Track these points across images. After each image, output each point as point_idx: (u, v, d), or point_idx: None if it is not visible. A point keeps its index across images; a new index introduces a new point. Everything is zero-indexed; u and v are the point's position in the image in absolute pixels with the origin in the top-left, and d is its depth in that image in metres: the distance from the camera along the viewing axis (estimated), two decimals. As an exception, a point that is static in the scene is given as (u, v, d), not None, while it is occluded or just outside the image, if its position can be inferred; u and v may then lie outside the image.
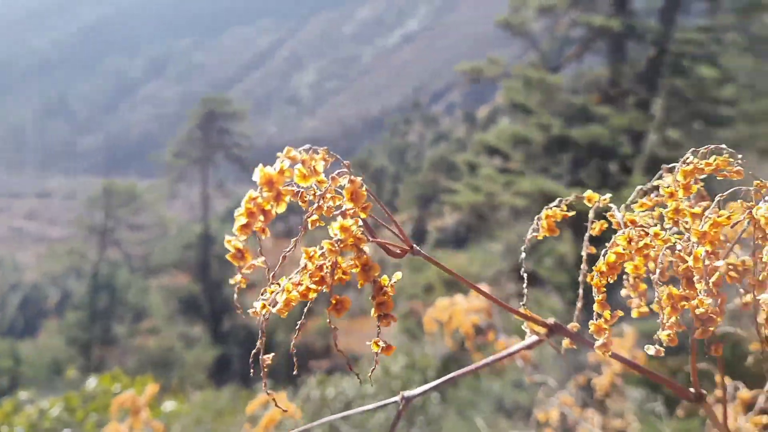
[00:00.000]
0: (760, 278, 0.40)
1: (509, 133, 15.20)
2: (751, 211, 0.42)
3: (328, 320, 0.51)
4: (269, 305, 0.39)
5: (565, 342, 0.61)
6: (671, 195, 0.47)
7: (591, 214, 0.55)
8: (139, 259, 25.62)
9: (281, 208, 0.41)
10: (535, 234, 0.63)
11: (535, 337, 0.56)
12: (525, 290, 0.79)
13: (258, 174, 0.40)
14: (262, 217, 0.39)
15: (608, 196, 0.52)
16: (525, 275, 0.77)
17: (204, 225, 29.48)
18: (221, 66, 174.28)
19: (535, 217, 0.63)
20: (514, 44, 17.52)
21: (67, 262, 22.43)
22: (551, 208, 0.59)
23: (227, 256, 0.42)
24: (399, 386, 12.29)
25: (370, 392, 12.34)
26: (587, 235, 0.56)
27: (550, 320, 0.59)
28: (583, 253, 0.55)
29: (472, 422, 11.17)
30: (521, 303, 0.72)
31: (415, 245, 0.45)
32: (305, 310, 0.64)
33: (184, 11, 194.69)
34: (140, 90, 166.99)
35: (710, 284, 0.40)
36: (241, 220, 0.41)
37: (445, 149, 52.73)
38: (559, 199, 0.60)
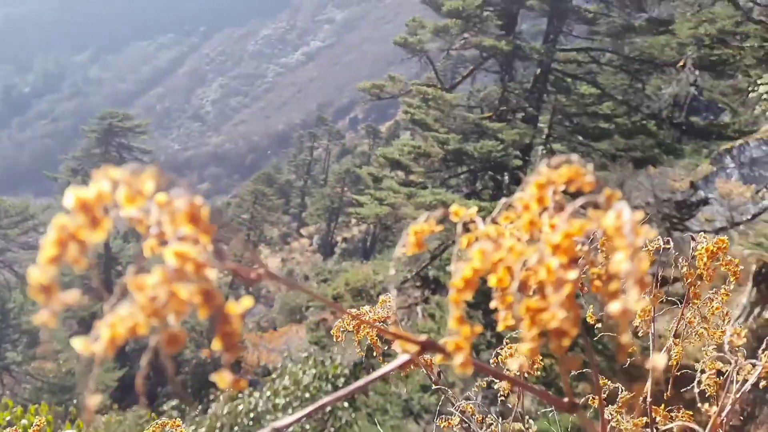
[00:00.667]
0: (609, 288, 0.42)
1: (410, 147, 15.98)
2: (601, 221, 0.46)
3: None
4: (92, 342, 0.40)
5: (438, 358, 0.64)
6: (526, 207, 0.51)
7: (458, 228, 0.56)
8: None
9: (99, 237, 0.41)
10: (403, 249, 0.63)
11: (406, 356, 0.57)
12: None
13: (70, 197, 0.40)
14: (76, 247, 0.39)
15: (474, 209, 0.56)
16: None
17: (105, 244, 28.39)
18: (120, 81, 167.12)
19: (404, 232, 0.66)
20: (412, 63, 18.47)
21: (-48, 286, 20.97)
22: (419, 224, 0.62)
23: (28, 292, 0.42)
24: (309, 397, 12.62)
25: (280, 404, 12.59)
26: (455, 249, 0.56)
27: (422, 337, 0.58)
28: (451, 268, 0.53)
29: (382, 426, 11.69)
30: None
31: (269, 269, 0.50)
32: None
33: (80, 25, 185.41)
34: (33, 106, 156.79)
35: (563, 296, 0.42)
36: (49, 250, 0.39)
37: (350, 163, 53.66)
38: (426, 214, 0.63)
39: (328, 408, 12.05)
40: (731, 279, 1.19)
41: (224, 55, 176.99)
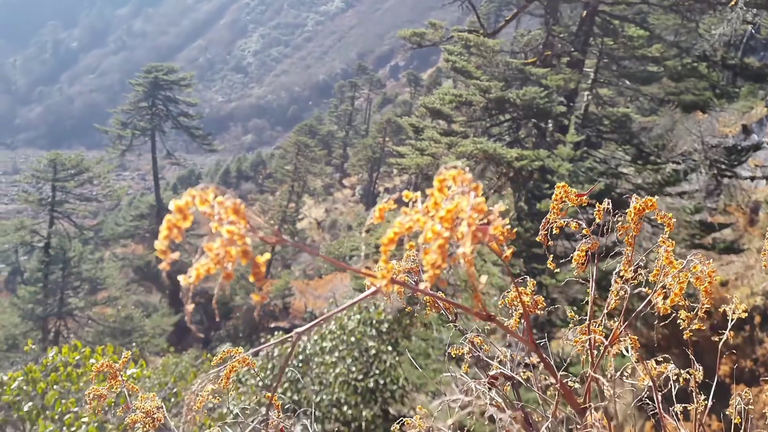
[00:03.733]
0: (458, 236, 0.72)
1: (451, 96, 15.82)
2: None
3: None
4: (186, 280, 0.68)
5: (397, 288, 1.14)
6: (432, 194, 0.77)
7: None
8: (90, 230, 25.49)
9: (187, 224, 0.70)
10: (371, 221, 0.78)
11: (373, 288, 0.78)
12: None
13: (172, 205, 0.67)
14: (176, 231, 0.69)
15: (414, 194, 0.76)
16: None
17: (156, 194, 29.39)
18: (162, 34, 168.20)
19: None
20: (453, 8, 18.07)
21: (16, 237, 22.14)
22: (385, 202, 0.78)
23: (156, 254, 0.71)
24: (354, 341, 13.08)
25: (327, 347, 13.09)
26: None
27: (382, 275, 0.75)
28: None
29: (425, 370, 12.08)
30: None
31: (284, 236, 0.72)
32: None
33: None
34: (80, 60, 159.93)
35: (438, 245, 0.70)
36: (164, 232, 0.69)
37: (391, 113, 53.34)
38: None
39: (373, 351, 12.48)
40: (666, 230, 1.40)
41: (264, 4, 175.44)
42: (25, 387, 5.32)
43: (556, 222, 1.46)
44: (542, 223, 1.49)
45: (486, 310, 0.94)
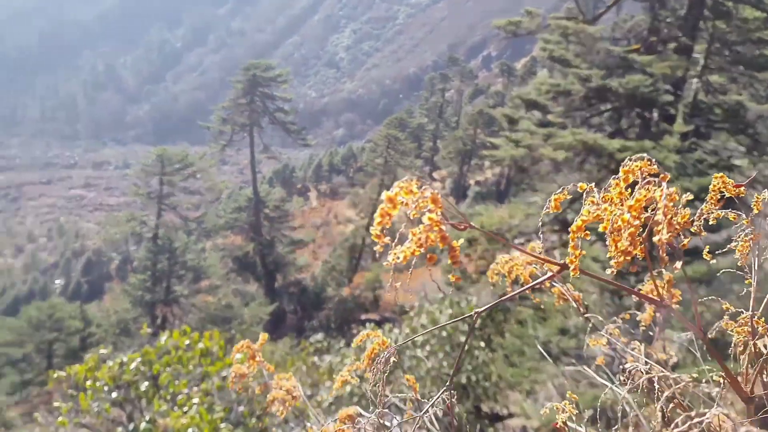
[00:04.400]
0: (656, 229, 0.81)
1: (548, 86, 15.33)
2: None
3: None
4: (395, 258, 0.78)
5: (572, 272, 1.11)
6: (617, 185, 0.89)
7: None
8: (194, 222, 26.87)
9: (396, 211, 0.82)
10: (547, 210, 0.93)
11: (549, 273, 0.95)
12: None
13: (384, 196, 0.79)
14: (388, 217, 0.81)
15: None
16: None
17: (254, 188, 30.52)
18: (259, 32, 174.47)
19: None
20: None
21: (127, 227, 23.77)
22: (558, 194, 0.92)
23: (373, 237, 0.81)
24: (446, 335, 12.99)
25: (419, 341, 13.10)
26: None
27: (561, 261, 0.90)
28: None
29: (519, 367, 11.80)
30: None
31: (470, 223, 0.83)
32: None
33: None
34: (184, 59, 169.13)
35: (630, 233, 0.80)
36: (378, 219, 0.81)
37: (483, 104, 52.50)
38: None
39: (466, 347, 12.38)
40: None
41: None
42: (142, 368, 5.66)
43: (712, 212, 1.34)
44: (697, 214, 1.37)
45: (662, 296, 1.02)
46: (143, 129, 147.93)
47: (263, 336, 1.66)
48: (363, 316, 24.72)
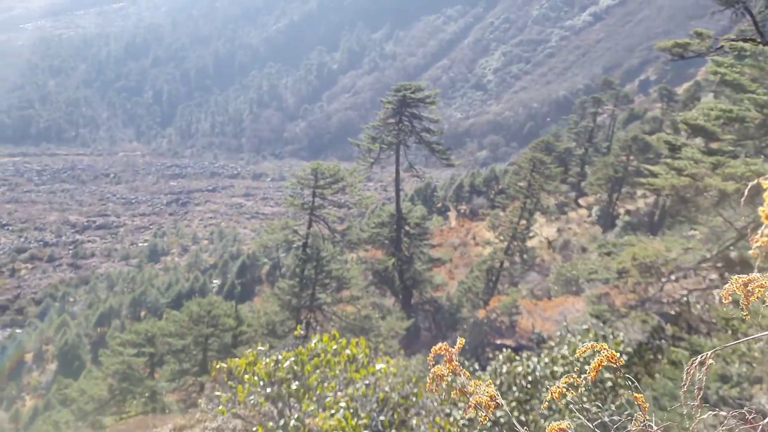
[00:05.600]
0: None
1: (718, 112, 14.19)
2: None
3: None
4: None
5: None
6: None
7: None
8: (339, 234, 28.12)
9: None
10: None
11: None
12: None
13: (761, 212, 0.65)
14: None
15: None
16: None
17: (396, 204, 31.28)
18: (410, 56, 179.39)
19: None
20: (718, 17, 16.17)
21: (281, 235, 25.40)
22: None
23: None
24: (589, 368, 12.36)
25: (559, 372, 12.59)
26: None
27: None
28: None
29: (669, 412, 10.94)
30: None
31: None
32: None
33: (380, 3, 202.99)
34: (339, 80, 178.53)
35: None
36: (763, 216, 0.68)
37: (638, 129, 49.55)
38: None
39: (609, 383, 11.68)
40: None
41: (508, 22, 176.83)
42: (295, 368, 5.98)
43: None
44: None
45: None
46: (299, 144, 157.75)
47: (461, 340, 1.75)
48: (498, 341, 24.27)
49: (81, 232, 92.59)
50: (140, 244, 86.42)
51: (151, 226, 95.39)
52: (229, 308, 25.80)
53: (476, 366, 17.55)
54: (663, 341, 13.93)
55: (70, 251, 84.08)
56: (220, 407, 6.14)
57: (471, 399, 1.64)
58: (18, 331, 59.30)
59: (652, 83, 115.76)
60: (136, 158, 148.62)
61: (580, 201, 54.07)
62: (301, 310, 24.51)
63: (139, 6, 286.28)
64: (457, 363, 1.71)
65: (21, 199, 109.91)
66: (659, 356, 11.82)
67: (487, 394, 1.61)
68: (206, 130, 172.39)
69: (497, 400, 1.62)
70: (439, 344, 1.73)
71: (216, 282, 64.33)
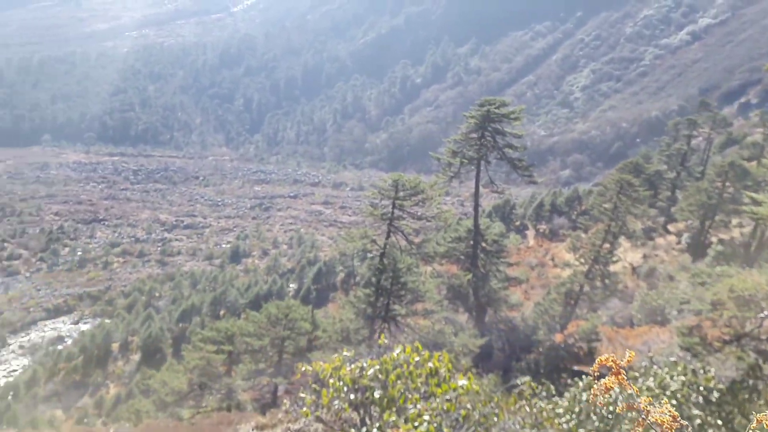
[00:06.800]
0: None
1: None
2: None
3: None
4: None
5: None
6: None
7: None
8: (415, 246, 28.17)
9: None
10: None
11: None
12: None
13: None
14: None
15: None
16: None
17: (474, 220, 31.02)
18: (494, 71, 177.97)
19: None
20: None
21: (359, 243, 25.75)
22: None
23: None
24: (676, 404, 11.70)
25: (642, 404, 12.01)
26: None
27: None
28: None
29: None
30: None
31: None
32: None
33: (466, 19, 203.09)
34: (422, 94, 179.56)
35: None
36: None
37: (736, 154, 46.84)
38: None
39: (698, 421, 11.05)
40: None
41: (599, 39, 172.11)
42: (379, 376, 6.00)
43: None
44: None
45: None
46: (378, 156, 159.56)
47: (630, 353, 1.72)
48: (575, 367, 23.46)
49: (170, 230, 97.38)
50: (223, 245, 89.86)
51: (234, 229, 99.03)
52: (305, 312, 26.35)
53: (552, 390, 17.06)
54: (760, 381, 12.99)
55: (159, 248, 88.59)
56: (304, 409, 6.25)
57: (644, 417, 1.62)
58: (107, 321, 62.97)
59: (753, 107, 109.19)
60: (224, 162, 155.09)
61: (669, 227, 51.60)
62: (375, 319, 24.69)
63: (235, 17, 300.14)
64: (624, 376, 1.68)
65: (117, 196, 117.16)
66: (755, 397, 11.06)
67: (668, 413, 1.58)
68: (291, 139, 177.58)
69: (680, 421, 1.59)
70: (605, 356, 1.72)
71: (293, 286, 65.89)
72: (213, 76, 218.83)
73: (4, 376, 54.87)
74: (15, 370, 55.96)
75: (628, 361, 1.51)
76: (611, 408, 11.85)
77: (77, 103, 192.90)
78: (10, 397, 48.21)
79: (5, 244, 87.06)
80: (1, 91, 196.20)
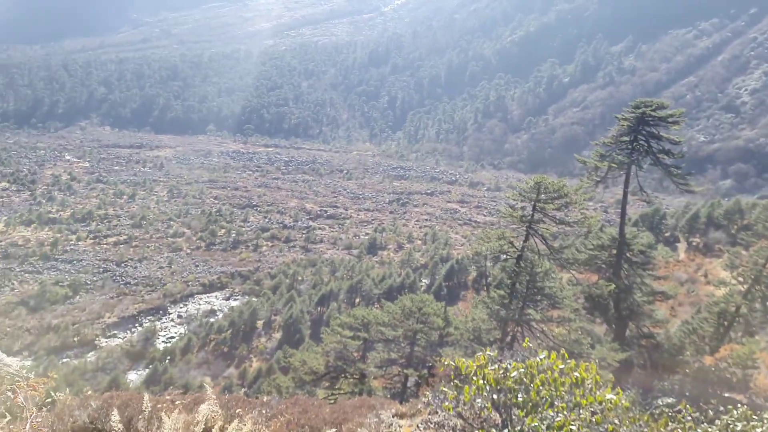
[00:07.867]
0: None
1: None
2: None
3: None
4: None
5: None
6: None
7: None
8: (553, 251, 27.47)
9: None
10: None
11: None
12: None
13: None
14: None
15: None
16: None
17: (620, 228, 29.67)
18: (651, 71, 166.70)
19: None
20: None
21: (496, 244, 25.65)
22: None
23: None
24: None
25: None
26: None
27: None
28: None
29: None
30: None
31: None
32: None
33: (622, 15, 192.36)
34: (568, 94, 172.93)
35: None
36: None
37: None
38: None
39: None
40: None
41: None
42: (524, 379, 5.95)
43: None
44: None
45: None
46: (518, 156, 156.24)
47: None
48: (726, 394, 21.73)
49: (314, 219, 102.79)
50: (362, 237, 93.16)
51: (372, 221, 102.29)
52: (438, 308, 26.71)
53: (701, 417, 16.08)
54: None
55: (303, 235, 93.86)
56: (446, 403, 6.42)
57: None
58: (254, 299, 68.01)
59: None
60: (367, 157, 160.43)
61: None
62: (509, 322, 24.51)
63: (385, 17, 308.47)
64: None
65: (269, 184, 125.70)
66: None
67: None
68: (431, 136, 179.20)
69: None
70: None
71: (425, 281, 66.86)
72: (361, 74, 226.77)
73: (163, 341, 61.36)
74: (173, 337, 62.39)
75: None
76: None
77: (239, 96, 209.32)
78: (167, 361, 53.91)
79: (171, 222, 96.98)
80: (176, 84, 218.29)
